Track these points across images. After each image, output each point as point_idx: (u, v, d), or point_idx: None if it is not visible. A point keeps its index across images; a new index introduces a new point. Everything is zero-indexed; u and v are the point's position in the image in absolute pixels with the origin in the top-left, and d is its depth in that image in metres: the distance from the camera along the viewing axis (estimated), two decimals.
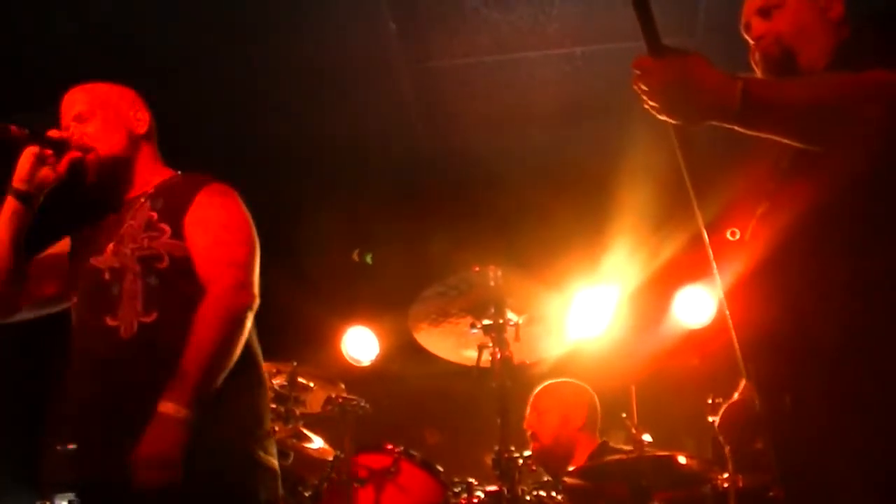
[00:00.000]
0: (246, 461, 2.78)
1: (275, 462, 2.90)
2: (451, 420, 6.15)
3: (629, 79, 2.19)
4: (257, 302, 2.84)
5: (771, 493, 3.58)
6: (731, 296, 2.28)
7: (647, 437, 4.02)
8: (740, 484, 3.81)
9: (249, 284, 2.85)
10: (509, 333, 3.77)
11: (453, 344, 4.01)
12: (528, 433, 4.76)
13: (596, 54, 5.36)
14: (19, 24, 4.96)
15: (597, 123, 5.82)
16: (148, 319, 2.79)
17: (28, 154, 2.93)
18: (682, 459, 4.01)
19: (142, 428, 2.60)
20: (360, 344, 6.16)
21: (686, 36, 5.10)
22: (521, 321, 3.82)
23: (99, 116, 3.05)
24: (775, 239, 2.21)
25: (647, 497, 3.93)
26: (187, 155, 3.21)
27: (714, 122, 2.11)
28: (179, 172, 3.13)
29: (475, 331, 3.83)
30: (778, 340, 2.19)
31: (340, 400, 4.01)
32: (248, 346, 2.84)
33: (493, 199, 6.21)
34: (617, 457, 4.26)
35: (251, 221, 2.99)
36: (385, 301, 5.67)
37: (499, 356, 3.68)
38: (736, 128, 2.11)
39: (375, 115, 5.90)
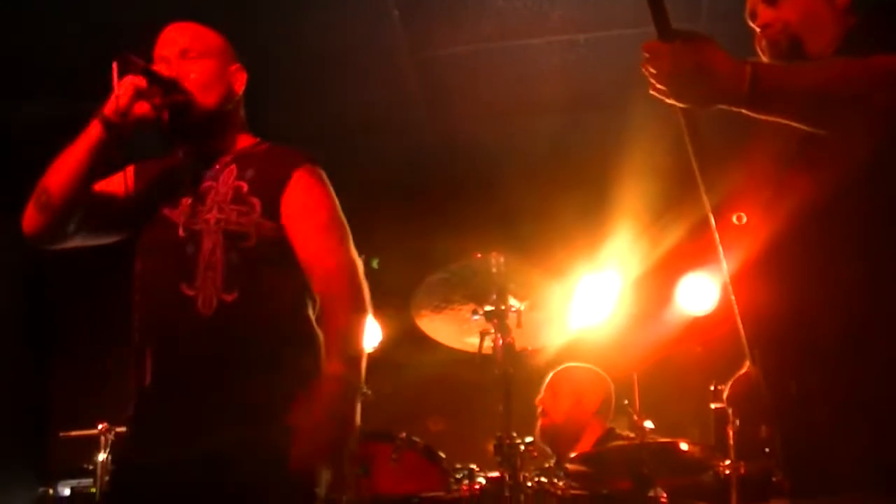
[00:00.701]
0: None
1: None
2: (453, 407, 6.16)
3: (633, 66, 2.19)
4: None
5: (774, 479, 3.58)
6: (736, 283, 2.27)
7: (649, 424, 4.02)
8: (742, 471, 3.82)
9: (357, 264, 2.79)
10: (511, 320, 3.77)
11: (455, 331, 4.01)
12: (539, 409, 4.78)
13: (599, 41, 5.35)
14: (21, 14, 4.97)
15: (600, 110, 5.82)
16: (229, 298, 2.67)
17: (128, 84, 2.67)
18: (684, 446, 4.02)
19: (215, 409, 2.57)
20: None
21: (690, 23, 5.09)
22: (523, 308, 3.82)
23: (206, 61, 2.86)
24: (781, 226, 2.20)
25: (649, 484, 3.93)
26: None
27: (723, 106, 2.11)
28: (266, 142, 2.98)
29: (477, 318, 3.83)
30: (783, 328, 2.19)
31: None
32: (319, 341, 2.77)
33: (496, 186, 6.20)
34: (619, 443, 4.27)
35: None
36: (387, 289, 5.68)
37: (501, 343, 3.69)
38: (744, 111, 2.11)
39: (378, 103, 5.90)
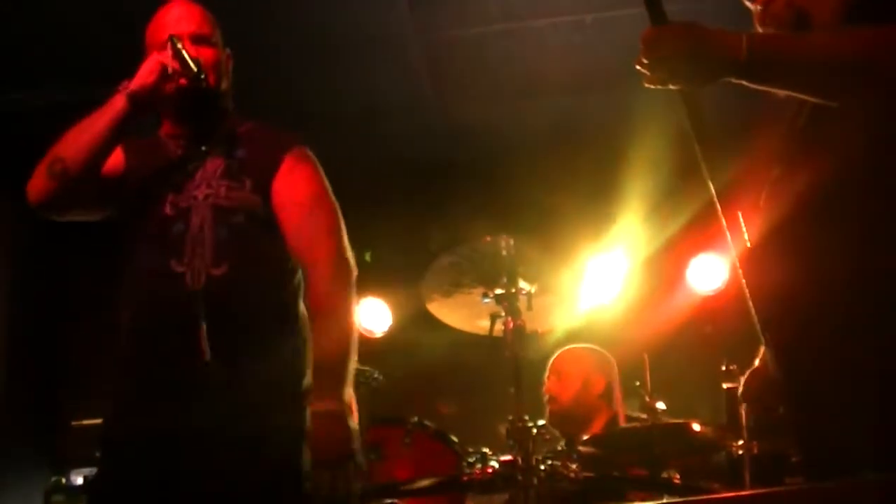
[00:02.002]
0: (297, 433, 2.67)
1: None
2: (464, 390, 6.16)
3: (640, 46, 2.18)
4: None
5: (794, 460, 3.58)
6: (745, 262, 2.26)
7: (660, 405, 4.01)
8: (755, 451, 3.81)
9: (349, 255, 2.78)
10: (522, 303, 3.76)
11: (466, 314, 4.00)
12: (546, 397, 4.77)
13: (606, 21, 5.33)
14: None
15: (607, 91, 5.80)
16: (217, 272, 2.68)
17: (155, 62, 2.73)
18: (696, 427, 4.01)
19: (218, 386, 2.59)
20: (373, 315, 6.16)
21: (696, 2, 5.06)
22: (533, 290, 3.81)
23: (214, 45, 2.87)
24: (790, 204, 2.18)
25: (661, 465, 3.93)
26: None
27: (724, 79, 2.10)
28: (254, 122, 2.98)
29: (487, 301, 3.81)
30: (793, 307, 2.18)
31: (354, 371, 4.01)
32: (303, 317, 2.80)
33: (504, 168, 6.19)
34: (631, 425, 4.26)
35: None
36: (397, 272, 5.68)
37: (511, 326, 3.67)
38: (746, 83, 2.10)
39: (386, 86, 5.88)
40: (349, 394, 2.63)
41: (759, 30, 2.35)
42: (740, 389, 2.75)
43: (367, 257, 6.02)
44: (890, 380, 1.99)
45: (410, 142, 6.41)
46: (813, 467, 2.23)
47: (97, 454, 2.84)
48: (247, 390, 2.61)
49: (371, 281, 6.19)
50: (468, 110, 6.16)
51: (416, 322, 4.88)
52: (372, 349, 5.40)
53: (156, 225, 2.77)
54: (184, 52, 2.72)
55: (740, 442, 3.81)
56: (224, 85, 2.90)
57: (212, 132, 2.89)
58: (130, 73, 2.80)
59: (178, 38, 2.75)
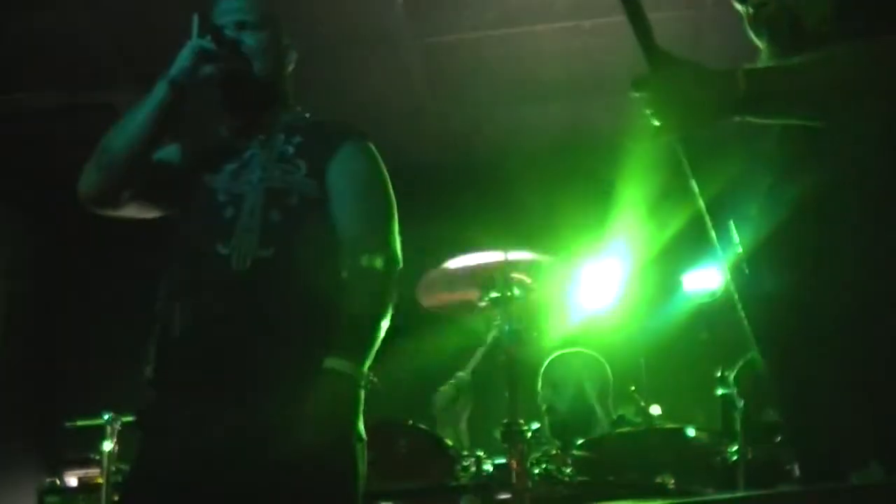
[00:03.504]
0: (350, 436, 2.63)
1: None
2: None
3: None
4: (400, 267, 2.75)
5: (788, 468, 3.58)
6: (741, 270, 2.26)
7: (656, 410, 4.01)
8: (750, 456, 3.81)
9: (397, 248, 2.75)
10: (517, 307, 3.76)
11: (461, 317, 4.01)
12: (544, 408, 4.75)
13: (604, 27, 5.34)
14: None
15: (604, 97, 5.80)
16: (265, 254, 2.62)
17: (194, 46, 2.71)
18: (691, 432, 4.01)
19: (242, 380, 2.52)
20: None
21: (695, 9, 5.08)
22: (529, 295, 3.81)
23: (264, 33, 2.87)
24: (785, 212, 2.18)
25: (656, 470, 3.93)
26: None
27: (724, 118, 2.09)
28: (318, 116, 2.99)
29: (483, 304, 3.82)
30: (789, 314, 2.18)
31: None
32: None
33: (501, 173, 6.19)
34: (626, 429, 4.26)
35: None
36: None
37: (507, 330, 3.68)
38: (749, 118, 2.10)
39: (381, 90, 5.89)
40: (366, 368, 2.58)
41: (751, 34, 2.35)
42: (732, 374, 2.75)
43: None
44: (887, 384, 1.99)
45: (406, 146, 6.40)
46: (808, 472, 2.23)
47: (96, 457, 2.74)
48: (287, 383, 2.53)
49: None
50: (464, 114, 6.17)
51: (411, 325, 4.87)
52: None
53: (209, 212, 2.73)
54: (218, 31, 2.74)
55: (735, 447, 3.81)
56: (271, 71, 2.87)
57: (268, 120, 2.87)
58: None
59: (215, 23, 2.76)
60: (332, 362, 2.51)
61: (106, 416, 4.58)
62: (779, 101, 2.09)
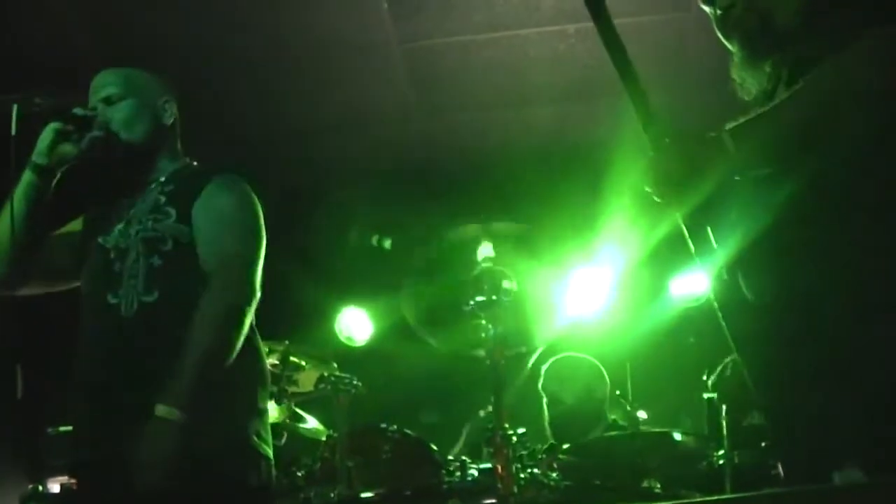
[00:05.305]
0: (238, 449, 2.84)
1: (268, 448, 2.94)
2: (444, 399, 6.14)
3: None
4: (258, 298, 2.87)
5: (773, 472, 3.58)
6: (719, 276, 2.26)
7: (642, 415, 4.01)
8: (736, 460, 3.81)
9: (252, 280, 2.87)
10: (503, 311, 3.74)
11: (446, 323, 3.99)
12: (546, 399, 4.76)
13: (590, 32, 5.31)
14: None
15: (591, 101, 5.80)
16: (149, 299, 2.83)
17: (50, 129, 2.90)
18: (677, 436, 4.01)
19: (138, 411, 2.67)
20: (355, 323, 6.14)
21: (682, 11, 5.07)
22: (515, 299, 3.80)
23: (128, 102, 3.04)
24: (773, 213, 2.18)
25: (642, 474, 3.92)
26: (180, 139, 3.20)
27: (723, 181, 2.13)
28: (195, 162, 3.15)
29: (468, 308, 3.80)
30: (775, 314, 2.17)
31: (333, 379, 3.99)
32: (247, 338, 2.86)
33: (487, 177, 6.18)
34: (612, 434, 4.26)
35: (260, 215, 3.00)
36: (378, 280, 5.66)
37: (493, 334, 3.66)
38: (740, 174, 2.16)
39: (368, 95, 5.88)
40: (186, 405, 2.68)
41: (721, 36, 2.33)
42: (712, 380, 2.76)
43: (388, 245, 5.99)
44: (873, 387, 1.99)
45: (391, 151, 6.40)
46: (792, 474, 2.22)
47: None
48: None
49: (353, 289, 6.18)
50: (450, 119, 6.16)
51: (396, 330, 4.86)
52: (352, 358, 5.39)
53: (102, 268, 2.94)
54: (66, 110, 2.91)
55: (722, 451, 3.81)
56: (144, 134, 3.03)
57: (149, 178, 3.04)
58: None
59: (71, 107, 2.95)
60: (160, 409, 2.66)
61: None
62: (767, 150, 2.11)
